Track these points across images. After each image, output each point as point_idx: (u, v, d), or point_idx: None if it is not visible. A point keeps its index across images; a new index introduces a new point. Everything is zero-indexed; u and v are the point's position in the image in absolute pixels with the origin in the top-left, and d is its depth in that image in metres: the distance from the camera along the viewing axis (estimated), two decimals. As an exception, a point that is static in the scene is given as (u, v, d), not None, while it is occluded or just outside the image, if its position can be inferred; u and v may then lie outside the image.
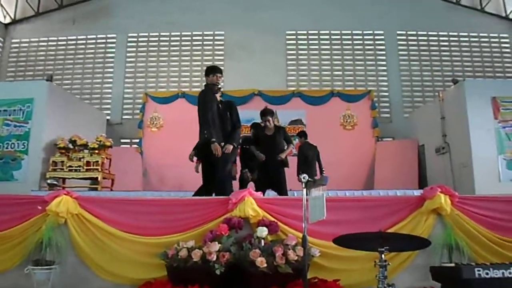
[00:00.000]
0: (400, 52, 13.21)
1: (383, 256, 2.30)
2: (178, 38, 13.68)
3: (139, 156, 12.00)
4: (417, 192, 5.07)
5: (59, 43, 13.93)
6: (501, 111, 8.98)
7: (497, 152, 8.77)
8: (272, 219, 4.28)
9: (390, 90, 12.95)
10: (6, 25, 14.07)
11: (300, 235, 3.17)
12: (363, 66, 13.19)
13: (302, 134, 8.96)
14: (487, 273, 1.95)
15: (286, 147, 6.62)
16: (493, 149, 8.74)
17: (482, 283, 1.91)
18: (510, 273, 1.95)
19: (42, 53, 13.92)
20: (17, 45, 14.06)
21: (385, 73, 13.10)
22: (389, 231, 4.05)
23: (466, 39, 13.32)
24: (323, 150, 9.27)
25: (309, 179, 2.86)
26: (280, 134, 6.65)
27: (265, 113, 6.65)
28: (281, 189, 6.35)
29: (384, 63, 13.17)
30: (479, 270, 1.95)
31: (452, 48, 13.25)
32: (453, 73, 12.74)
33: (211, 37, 13.58)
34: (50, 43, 13.97)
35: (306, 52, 13.39)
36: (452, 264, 2.00)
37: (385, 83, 13.04)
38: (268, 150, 6.42)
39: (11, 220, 4.59)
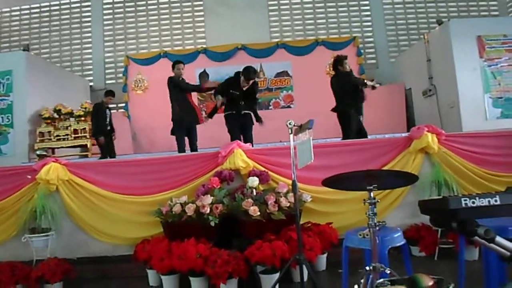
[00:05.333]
0: (384, -5, 12.92)
1: (371, 194, 2.33)
2: (156, -4, 13.20)
3: (126, 120, 11.87)
4: (406, 135, 5.11)
5: (32, 11, 13.37)
6: (486, 49, 8.90)
7: (483, 91, 8.77)
8: (263, 168, 4.33)
9: (375, 35, 12.75)
10: (-26, -4, 13.45)
11: (291, 182, 3.19)
12: (347, 12, 12.88)
13: None
14: (473, 202, 1.98)
15: None
16: (479, 88, 8.73)
17: (468, 211, 1.95)
18: (496, 201, 1.98)
19: (15, 23, 13.37)
20: (-12, 16, 13.51)
21: (369, 18, 12.82)
22: (378, 172, 4.12)
23: (451, -23, 13.02)
24: (311, 100, 9.06)
25: (295, 124, 2.85)
26: None
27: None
28: None
29: (367, 7, 12.87)
30: (465, 200, 1.98)
31: (436, -12, 12.98)
32: (438, 13, 12.50)
33: (190, -8, 13.13)
34: (23, 11, 13.39)
35: (288, 1, 13.03)
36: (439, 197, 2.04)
37: (370, 28, 12.80)
38: None
39: (2, 192, 4.59)
